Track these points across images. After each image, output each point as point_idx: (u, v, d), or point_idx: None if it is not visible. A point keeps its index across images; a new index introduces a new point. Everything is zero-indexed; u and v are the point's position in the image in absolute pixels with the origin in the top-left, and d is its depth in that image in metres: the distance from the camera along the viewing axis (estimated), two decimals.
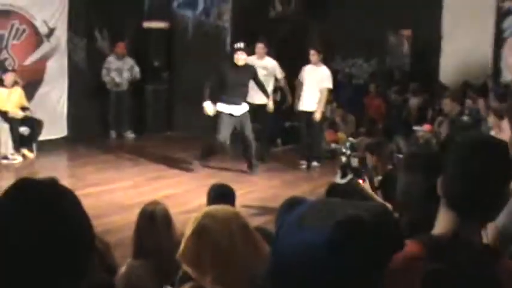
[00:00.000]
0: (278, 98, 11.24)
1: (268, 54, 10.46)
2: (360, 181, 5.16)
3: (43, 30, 11.04)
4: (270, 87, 10.27)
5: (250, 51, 9.89)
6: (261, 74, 10.12)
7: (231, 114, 9.29)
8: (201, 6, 12.96)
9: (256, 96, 10.23)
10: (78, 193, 1.40)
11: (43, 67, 11.15)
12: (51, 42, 11.19)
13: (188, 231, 2.20)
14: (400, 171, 3.12)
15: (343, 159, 6.95)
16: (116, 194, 8.19)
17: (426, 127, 10.55)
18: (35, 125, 10.32)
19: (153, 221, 3.69)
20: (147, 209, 3.76)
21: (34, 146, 10.32)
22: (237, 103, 9.26)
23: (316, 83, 9.92)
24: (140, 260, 3.63)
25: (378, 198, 5.30)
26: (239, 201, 5.27)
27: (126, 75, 12.02)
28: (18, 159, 9.86)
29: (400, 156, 9.22)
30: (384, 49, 13.90)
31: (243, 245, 2.20)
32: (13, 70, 10.40)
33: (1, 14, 10.43)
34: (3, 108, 9.98)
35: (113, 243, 5.23)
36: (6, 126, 9.84)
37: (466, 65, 12.48)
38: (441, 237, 1.65)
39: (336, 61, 14.14)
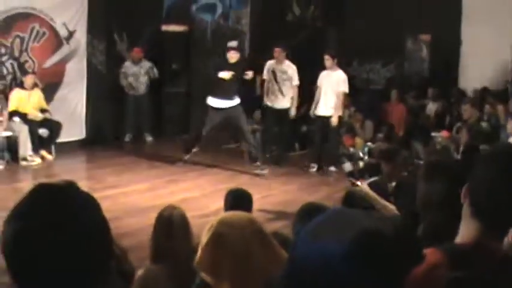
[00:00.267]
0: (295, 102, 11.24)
1: (287, 58, 10.46)
2: (358, 183, 5.12)
3: (63, 33, 11.12)
4: (289, 91, 10.31)
5: (267, 54, 10.08)
6: (281, 78, 10.20)
7: (218, 108, 9.51)
8: (219, 10, 13.00)
9: (278, 101, 10.29)
10: (96, 195, 1.40)
11: (62, 69, 11.23)
12: (71, 45, 11.26)
13: (204, 239, 2.19)
14: (419, 180, 3.10)
15: (361, 164, 6.93)
16: (133, 196, 8.22)
17: (444, 133, 10.48)
18: (54, 127, 10.40)
19: (171, 226, 3.69)
20: (164, 214, 3.77)
21: (53, 148, 10.39)
22: (227, 98, 9.48)
23: (331, 87, 9.94)
24: (158, 265, 3.63)
25: (382, 201, 5.26)
26: (256, 205, 5.27)
27: (143, 79, 12.06)
28: (37, 161, 9.93)
29: (420, 162, 9.19)
30: (402, 54, 13.84)
31: (259, 251, 2.20)
32: (33, 72, 10.49)
33: (21, 16, 10.52)
34: (23, 110, 10.07)
35: (130, 246, 5.25)
36: (25, 128, 9.92)
37: (485, 70, 12.40)
38: (464, 246, 1.63)
39: (353, 66, 14.12)
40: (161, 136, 12.40)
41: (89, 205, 1.33)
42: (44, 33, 10.86)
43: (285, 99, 10.35)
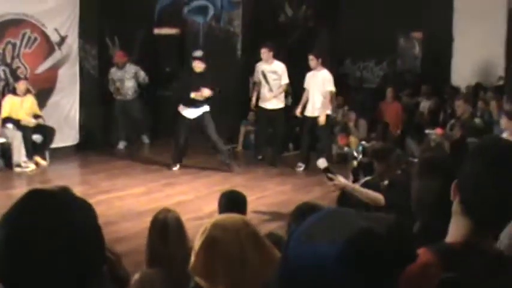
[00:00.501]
0: (289, 103, 11.26)
1: (276, 57, 10.45)
2: (334, 177, 5.15)
3: (54, 38, 11.10)
4: (280, 90, 10.35)
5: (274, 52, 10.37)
6: (271, 78, 10.22)
7: (186, 118, 9.84)
8: (211, 12, 13.00)
9: (268, 102, 10.31)
10: (91, 200, 1.39)
11: (55, 75, 11.21)
12: (63, 50, 11.24)
13: (198, 243, 2.19)
14: (413, 177, 3.09)
15: (355, 163, 6.93)
16: (128, 200, 8.21)
17: (438, 130, 10.50)
18: (48, 132, 10.37)
19: (166, 229, 3.68)
20: (158, 217, 3.76)
21: (47, 153, 10.37)
22: (195, 106, 9.73)
23: (317, 87, 10.01)
24: (154, 268, 3.63)
25: (364, 190, 5.27)
26: (250, 207, 5.26)
27: (128, 84, 11.84)
28: (31, 166, 9.91)
29: (414, 160, 9.20)
30: (394, 52, 13.86)
31: (253, 253, 2.19)
32: (25, 78, 10.47)
33: (13, 23, 10.50)
34: (16, 117, 10.05)
35: (126, 250, 5.25)
36: (19, 134, 9.90)
37: (477, 67, 12.43)
38: (455, 245, 1.59)
39: (346, 65, 14.14)
40: (155, 139, 12.37)
41: (81, 210, 1.32)
42: (35, 39, 10.84)
43: (276, 100, 10.36)
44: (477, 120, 10.00)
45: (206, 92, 9.59)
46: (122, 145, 11.96)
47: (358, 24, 13.18)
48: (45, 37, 10.98)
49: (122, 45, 12.36)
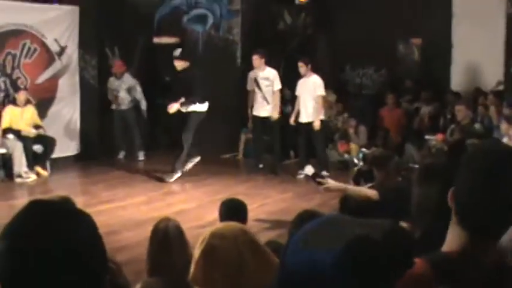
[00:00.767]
0: (289, 110, 11.28)
1: (268, 64, 10.45)
2: (324, 181, 5.19)
3: (54, 48, 11.13)
4: (273, 97, 10.36)
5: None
6: (263, 84, 10.24)
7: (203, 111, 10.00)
8: (210, 20, 13.02)
9: (263, 109, 10.32)
10: (92, 210, 1.40)
11: (55, 85, 11.23)
12: (63, 60, 11.27)
13: (197, 252, 2.19)
14: (414, 184, 3.09)
15: (355, 170, 6.93)
16: (129, 210, 8.21)
17: (438, 136, 10.49)
18: (48, 143, 10.38)
19: (166, 238, 3.68)
20: (159, 226, 3.75)
21: (47, 163, 10.38)
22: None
23: (309, 93, 10.06)
24: (154, 278, 3.62)
25: (356, 188, 5.29)
26: (251, 215, 5.27)
27: (123, 94, 11.81)
28: (32, 177, 9.91)
29: (415, 166, 9.21)
30: (394, 58, 13.87)
31: (252, 260, 2.19)
32: (25, 89, 10.49)
33: (12, 33, 10.53)
34: (17, 127, 10.06)
35: (128, 259, 5.25)
36: (19, 145, 9.91)
37: (477, 73, 12.43)
38: (450, 255, 1.52)
39: (346, 72, 14.15)
40: (155, 148, 12.36)
41: (82, 220, 1.32)
42: (35, 50, 10.87)
43: (269, 107, 10.35)
44: (477, 126, 10.00)
45: (172, 109, 9.81)
46: (121, 155, 11.95)
47: (357, 31, 13.20)
48: (45, 47, 11.01)
49: (121, 54, 12.38)
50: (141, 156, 11.96)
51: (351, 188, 5.42)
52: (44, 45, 10.99)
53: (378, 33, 12.88)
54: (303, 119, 10.20)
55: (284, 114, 10.94)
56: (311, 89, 10.07)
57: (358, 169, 6.60)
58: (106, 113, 11.98)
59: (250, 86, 10.50)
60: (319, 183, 5.17)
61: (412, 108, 12.53)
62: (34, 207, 1.31)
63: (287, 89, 11.77)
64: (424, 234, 2.81)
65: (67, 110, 11.43)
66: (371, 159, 5.70)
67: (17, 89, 10.42)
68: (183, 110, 9.80)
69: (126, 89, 11.83)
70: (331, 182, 5.17)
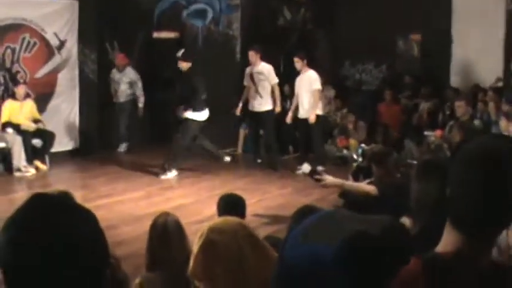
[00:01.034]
0: (288, 106, 11.27)
1: (265, 59, 10.45)
2: (322, 177, 5.21)
3: (54, 42, 11.12)
4: (267, 92, 10.33)
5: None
6: (257, 78, 10.27)
7: (198, 120, 9.99)
8: (210, 15, 13.02)
9: (257, 104, 10.33)
10: (90, 204, 1.41)
11: (54, 79, 11.23)
12: (62, 54, 11.26)
13: (196, 247, 2.20)
14: (413, 180, 3.11)
15: (354, 165, 6.94)
16: (127, 204, 8.22)
17: (437, 132, 10.50)
18: (47, 137, 10.38)
19: (165, 233, 3.69)
20: (158, 221, 3.77)
21: (46, 158, 10.38)
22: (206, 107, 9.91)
23: (305, 88, 10.07)
24: (154, 272, 3.63)
25: (354, 184, 5.31)
26: (250, 210, 5.28)
27: (123, 87, 11.87)
28: (31, 171, 9.92)
29: (414, 162, 9.21)
30: (393, 54, 13.87)
31: (251, 254, 2.20)
32: (24, 83, 10.48)
33: (12, 27, 10.52)
34: (16, 121, 10.06)
35: (126, 254, 5.26)
36: (19, 139, 9.91)
37: (476, 69, 12.44)
38: (443, 256, 1.47)
39: (345, 67, 14.15)
40: (154, 143, 12.35)
41: (84, 214, 1.33)
42: (35, 44, 10.86)
43: (263, 101, 10.33)
44: (476, 122, 10.00)
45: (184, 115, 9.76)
46: (122, 148, 11.97)
47: (356, 27, 13.19)
48: (45, 41, 11.00)
49: (121, 49, 12.37)
50: (122, 148, 12.03)
51: (349, 183, 5.44)
52: (43, 39, 10.98)
53: (377, 29, 12.88)
54: (301, 114, 10.21)
55: (283, 110, 10.93)
56: (307, 84, 10.08)
57: (357, 165, 6.59)
58: (105, 107, 11.99)
59: (246, 81, 10.51)
60: (318, 180, 5.18)
61: (411, 104, 12.53)
62: (36, 201, 1.31)
63: (287, 85, 11.77)
64: (423, 229, 2.83)
65: (66, 104, 11.43)
66: (370, 155, 5.71)
67: (16, 83, 10.41)
68: (181, 116, 9.83)
69: (127, 82, 11.87)
70: (329, 179, 5.19)
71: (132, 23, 12.35)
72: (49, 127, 10.54)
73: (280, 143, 11.00)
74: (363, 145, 10.76)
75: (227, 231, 2.20)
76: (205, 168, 10.23)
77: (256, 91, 10.35)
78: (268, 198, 8.64)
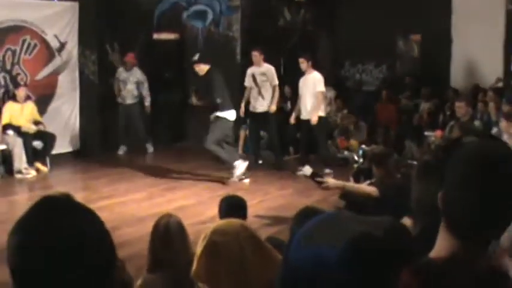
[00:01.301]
0: (288, 107, 11.29)
1: (266, 61, 10.47)
2: (324, 179, 5.23)
3: (54, 44, 11.13)
4: (270, 93, 10.34)
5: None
6: (260, 79, 10.29)
7: (231, 120, 9.81)
8: (210, 16, 13.03)
9: (259, 105, 10.35)
10: (92, 206, 1.42)
11: (55, 81, 11.24)
12: (63, 56, 11.27)
13: (199, 249, 2.21)
14: (413, 180, 3.11)
15: (355, 167, 6.94)
16: (129, 206, 8.22)
17: (438, 133, 10.51)
18: (48, 139, 10.39)
19: (168, 234, 3.69)
20: (160, 222, 3.77)
21: (47, 159, 10.39)
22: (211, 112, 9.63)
23: (309, 90, 10.06)
24: (156, 273, 3.64)
25: (356, 185, 5.33)
26: (251, 211, 5.29)
27: (130, 87, 11.89)
28: (32, 173, 9.92)
29: (414, 162, 9.22)
30: (393, 54, 13.89)
31: (254, 255, 2.22)
32: (25, 85, 10.49)
33: (12, 29, 10.53)
34: (17, 123, 10.07)
35: (128, 255, 5.27)
36: (19, 141, 9.91)
37: (476, 69, 12.45)
38: (437, 261, 1.44)
39: (345, 68, 14.16)
40: (156, 145, 12.37)
41: (90, 216, 1.34)
42: (35, 45, 10.87)
43: (265, 102, 10.38)
44: (477, 123, 10.01)
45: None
46: (121, 150, 11.96)
47: (356, 27, 13.21)
48: (45, 43, 11.01)
49: (121, 50, 12.39)
50: (150, 148, 12.08)
51: (350, 185, 5.45)
52: (43, 41, 10.99)
53: (377, 29, 12.90)
54: (303, 116, 10.21)
55: (283, 112, 10.95)
56: (311, 85, 10.08)
57: (357, 166, 6.61)
58: (106, 108, 11.99)
59: (247, 82, 10.53)
60: (319, 183, 5.19)
61: (411, 105, 12.56)
62: (43, 203, 1.32)
63: (287, 86, 11.78)
64: (424, 230, 2.83)
65: (67, 106, 11.44)
66: (370, 156, 5.72)
67: (17, 85, 10.42)
68: (211, 118, 9.52)
69: (134, 82, 11.87)
70: (330, 181, 5.20)
71: (132, 24, 12.36)
72: (50, 129, 10.55)
73: (281, 144, 11.02)
74: (363, 146, 10.78)
75: (230, 233, 2.21)
76: (206, 169, 10.24)
77: (259, 92, 10.37)
78: (269, 199, 8.65)
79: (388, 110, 12.24)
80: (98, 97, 11.98)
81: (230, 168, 9.57)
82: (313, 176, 5.29)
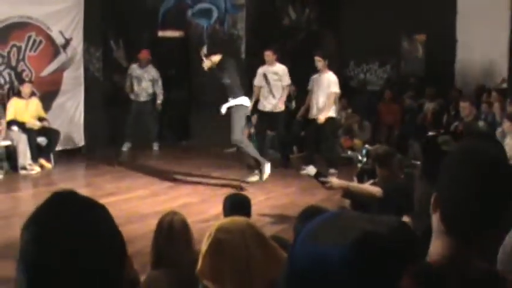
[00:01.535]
0: (293, 106, 11.30)
1: (279, 61, 10.48)
2: (328, 179, 5.24)
3: (59, 41, 11.15)
4: (280, 92, 10.37)
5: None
6: (272, 79, 10.28)
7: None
8: (215, 14, 13.04)
9: (269, 104, 10.35)
10: None
11: (60, 78, 11.26)
12: (68, 53, 11.29)
13: (204, 247, 2.22)
14: (417, 180, 3.12)
15: (359, 166, 6.94)
16: (133, 203, 8.23)
17: None
18: (52, 135, 10.42)
19: (171, 231, 3.71)
20: (165, 219, 3.79)
21: (51, 156, 10.41)
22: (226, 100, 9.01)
23: (322, 90, 10.01)
24: (159, 271, 3.66)
25: (360, 185, 5.34)
26: (255, 209, 5.29)
27: (145, 85, 11.89)
28: (36, 169, 9.95)
29: (417, 162, 9.21)
30: (398, 54, 13.89)
31: (259, 253, 2.22)
32: (30, 81, 10.52)
33: (18, 26, 10.55)
34: (21, 119, 10.09)
35: (131, 252, 5.26)
36: (24, 137, 9.94)
37: (481, 69, 12.44)
38: (435, 264, 1.43)
39: (350, 67, 14.16)
40: (160, 142, 12.38)
41: (102, 212, 1.35)
42: (40, 42, 10.89)
43: (274, 101, 10.38)
44: (481, 123, 10.01)
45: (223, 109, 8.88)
46: (125, 147, 11.97)
47: (361, 27, 13.21)
48: (50, 40, 11.03)
49: (126, 47, 12.40)
50: (155, 146, 12.08)
51: (354, 185, 5.45)
52: (49, 37, 11.01)
53: (382, 29, 12.90)
54: (313, 115, 10.11)
55: (288, 110, 10.96)
56: (325, 85, 9.97)
57: (361, 167, 6.62)
58: (110, 105, 12.01)
59: (258, 81, 10.47)
60: (323, 183, 5.20)
61: (415, 105, 12.56)
62: (58, 198, 1.33)
63: (292, 85, 11.78)
64: (427, 230, 2.84)
65: (71, 103, 11.46)
66: (374, 156, 5.71)
67: (21, 81, 10.45)
68: (222, 111, 8.89)
69: (149, 80, 11.87)
70: (334, 181, 5.21)
71: (137, 21, 12.38)
72: (54, 125, 10.58)
73: (285, 142, 11.08)
74: (367, 146, 10.78)
75: (235, 231, 2.22)
76: (209, 167, 10.25)
77: (270, 91, 10.37)
78: (272, 198, 8.66)
79: (392, 109, 12.26)
80: (102, 94, 12.00)
81: (252, 167, 9.32)
82: (317, 176, 5.29)
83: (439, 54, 13.05)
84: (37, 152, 10.12)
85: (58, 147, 10.65)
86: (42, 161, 10.19)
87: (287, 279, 1.18)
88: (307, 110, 10.30)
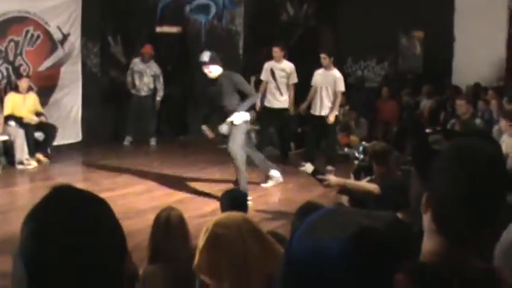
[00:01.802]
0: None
1: (271, 56, 10.49)
2: (325, 177, 5.24)
3: (57, 36, 11.14)
4: (286, 90, 10.39)
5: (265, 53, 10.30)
6: (279, 75, 10.27)
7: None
8: (213, 10, 13.03)
9: (276, 101, 10.35)
10: None
11: (57, 73, 11.25)
12: (65, 48, 11.28)
13: (201, 242, 2.23)
14: (412, 176, 3.13)
15: (356, 163, 6.95)
16: (130, 198, 8.24)
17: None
18: (50, 130, 10.41)
19: (168, 227, 3.72)
20: (162, 215, 3.80)
21: (49, 151, 10.40)
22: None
23: (328, 86, 9.96)
24: (155, 265, 3.67)
25: (357, 182, 5.36)
26: (252, 205, 5.30)
27: (147, 80, 11.88)
28: (33, 164, 9.94)
29: None
30: (396, 51, 13.89)
31: (255, 248, 2.23)
32: (27, 76, 10.51)
33: (16, 20, 10.53)
34: (18, 114, 10.08)
35: (129, 247, 5.29)
36: (21, 132, 9.93)
37: (479, 67, 12.46)
38: (430, 265, 1.41)
39: (348, 64, 14.16)
40: (158, 138, 12.38)
41: (104, 207, 1.35)
42: (38, 37, 10.87)
43: (282, 98, 10.38)
44: (477, 121, 10.02)
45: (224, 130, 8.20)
46: (127, 141, 11.97)
47: (359, 23, 13.21)
48: (48, 35, 11.02)
49: (124, 43, 12.39)
50: (153, 142, 12.05)
51: (352, 182, 5.45)
52: (47, 32, 11.00)
53: (380, 26, 12.91)
54: (317, 111, 10.04)
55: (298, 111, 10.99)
56: (331, 83, 9.91)
57: (358, 164, 6.62)
58: (108, 100, 12.00)
59: (264, 76, 10.44)
60: (320, 180, 5.20)
61: (412, 102, 12.58)
62: (56, 193, 1.33)
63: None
64: (420, 228, 2.85)
65: (69, 98, 11.45)
66: (371, 153, 5.71)
67: (19, 76, 10.43)
68: (222, 129, 8.19)
69: (151, 75, 11.87)
70: (331, 178, 5.21)
71: (135, 17, 12.36)
72: (51, 120, 10.57)
73: (283, 139, 11.11)
74: (363, 142, 10.78)
75: (232, 226, 2.23)
76: (206, 163, 10.26)
77: (277, 87, 10.37)
78: (269, 194, 8.67)
79: (389, 106, 12.28)
80: (100, 89, 11.99)
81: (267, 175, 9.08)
82: (314, 173, 5.30)
83: (437, 51, 13.07)
84: (34, 147, 10.11)
85: (55, 142, 10.63)
86: (40, 155, 10.18)
87: (284, 274, 1.19)
88: (309, 105, 10.26)
